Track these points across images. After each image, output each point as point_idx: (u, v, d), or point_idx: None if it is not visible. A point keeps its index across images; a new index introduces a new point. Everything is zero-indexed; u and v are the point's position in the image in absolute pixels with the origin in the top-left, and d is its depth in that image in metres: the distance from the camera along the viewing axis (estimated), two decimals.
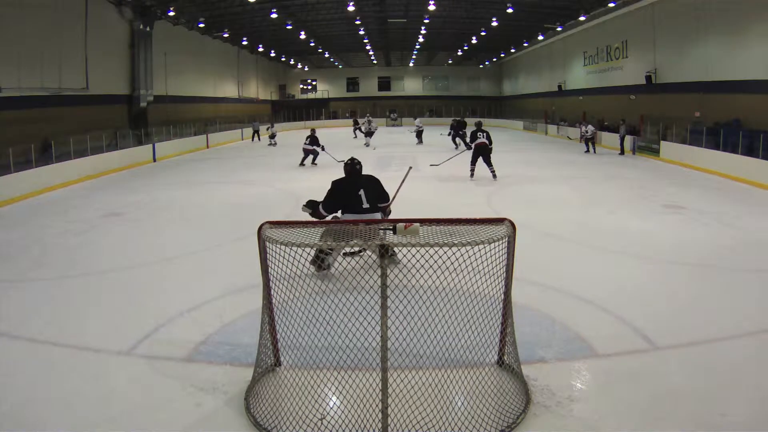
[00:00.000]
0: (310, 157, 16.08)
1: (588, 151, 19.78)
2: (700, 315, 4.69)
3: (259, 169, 15.44)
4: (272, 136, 25.73)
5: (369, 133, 24.17)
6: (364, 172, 5.74)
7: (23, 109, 15.23)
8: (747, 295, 5.19)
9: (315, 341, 3.54)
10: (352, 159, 5.64)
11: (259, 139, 27.37)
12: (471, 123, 16.61)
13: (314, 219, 5.34)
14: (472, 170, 12.56)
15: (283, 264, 3.17)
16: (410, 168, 7.03)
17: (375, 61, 45.67)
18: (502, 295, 3.54)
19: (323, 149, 15.89)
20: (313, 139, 16.06)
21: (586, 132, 20.01)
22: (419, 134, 24.63)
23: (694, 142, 15.77)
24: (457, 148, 19.50)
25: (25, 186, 11.49)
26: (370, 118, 25.76)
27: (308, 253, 3.08)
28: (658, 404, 3.28)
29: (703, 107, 17.78)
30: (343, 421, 3.06)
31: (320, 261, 4.87)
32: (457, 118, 23.82)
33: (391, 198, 5.80)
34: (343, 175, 5.69)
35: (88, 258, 6.73)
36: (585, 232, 7.66)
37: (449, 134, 21.38)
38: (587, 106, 27.14)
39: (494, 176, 12.39)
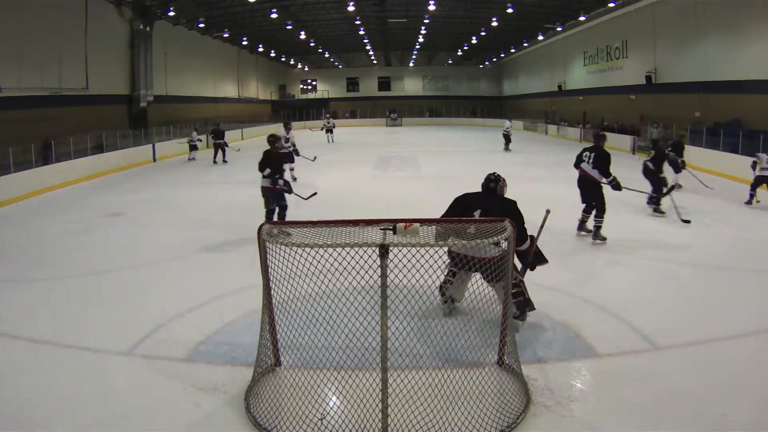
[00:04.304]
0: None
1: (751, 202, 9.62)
2: (700, 315, 4.70)
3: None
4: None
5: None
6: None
7: (23, 109, 15.23)
8: (747, 295, 5.19)
9: (315, 341, 3.54)
10: (490, 174, 4.55)
11: (223, 152, 17.28)
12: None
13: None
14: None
15: (283, 264, 3.17)
16: (548, 212, 4.62)
17: (375, 61, 45.68)
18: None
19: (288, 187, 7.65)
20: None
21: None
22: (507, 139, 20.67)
23: (694, 142, 15.78)
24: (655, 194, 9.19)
25: (25, 186, 11.49)
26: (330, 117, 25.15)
27: (308, 254, 3.06)
28: (658, 404, 3.28)
29: (703, 107, 17.78)
30: (343, 421, 3.06)
31: (443, 290, 4.40)
32: (674, 139, 12.55)
33: (528, 239, 4.33)
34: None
35: (88, 258, 6.73)
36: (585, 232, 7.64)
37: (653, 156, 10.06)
38: (587, 106, 27.15)
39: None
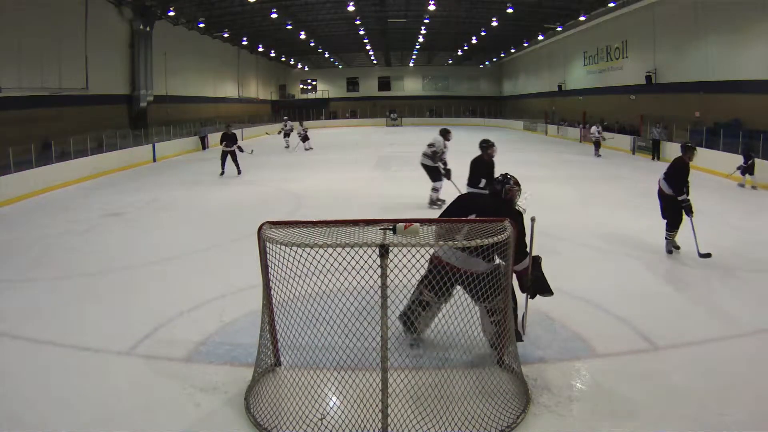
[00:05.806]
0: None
1: None
2: (700, 315, 4.70)
3: (259, 169, 15.43)
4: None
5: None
6: None
7: (23, 109, 15.24)
8: (747, 295, 5.18)
9: (315, 341, 3.53)
10: (500, 175, 4.08)
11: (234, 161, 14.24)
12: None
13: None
14: None
15: (283, 264, 3.17)
16: (533, 219, 3.84)
17: (375, 61, 45.70)
18: None
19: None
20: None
21: None
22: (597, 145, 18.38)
23: (694, 142, 15.77)
24: None
25: (25, 186, 11.49)
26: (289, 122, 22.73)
27: (308, 254, 3.03)
28: (657, 404, 3.28)
29: (703, 107, 17.80)
30: (343, 421, 3.06)
31: (409, 321, 3.73)
32: None
33: (528, 259, 3.74)
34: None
35: (88, 258, 6.73)
36: (585, 232, 7.65)
37: None
38: (587, 106, 27.16)
39: None
